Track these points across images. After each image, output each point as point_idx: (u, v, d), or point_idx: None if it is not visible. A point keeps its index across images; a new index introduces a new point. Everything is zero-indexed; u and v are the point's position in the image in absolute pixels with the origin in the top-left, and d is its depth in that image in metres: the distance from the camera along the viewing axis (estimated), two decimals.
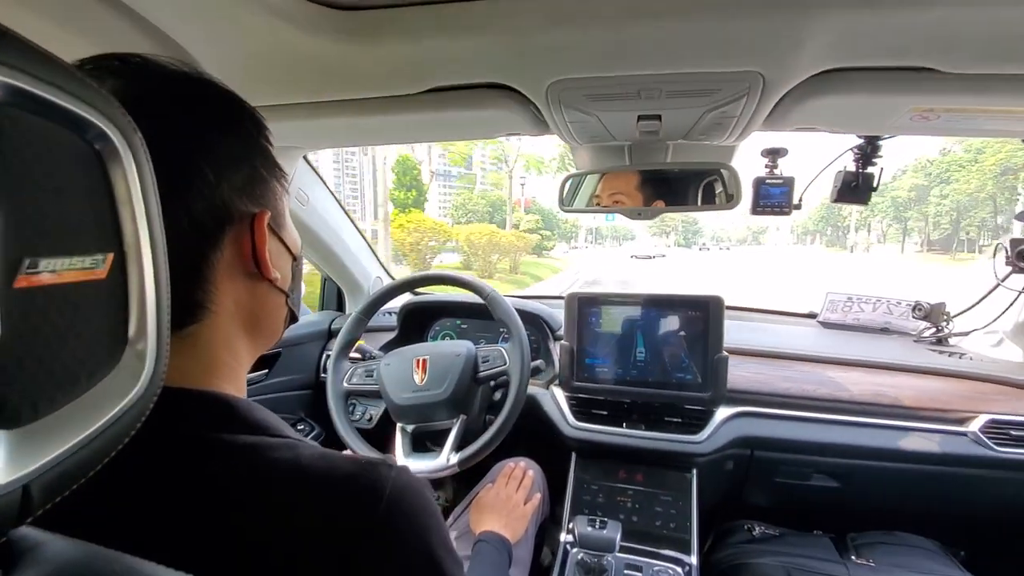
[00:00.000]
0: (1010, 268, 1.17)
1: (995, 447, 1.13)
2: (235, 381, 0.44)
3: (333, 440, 1.21)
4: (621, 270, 26.16)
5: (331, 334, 1.68)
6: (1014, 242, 1.13)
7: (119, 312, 0.28)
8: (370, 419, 1.54)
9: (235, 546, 0.34)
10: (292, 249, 0.49)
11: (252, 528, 0.35)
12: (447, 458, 1.06)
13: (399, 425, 1.13)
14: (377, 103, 0.82)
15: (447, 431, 1.10)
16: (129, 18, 0.61)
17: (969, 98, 0.66)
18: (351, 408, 1.58)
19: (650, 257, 36.01)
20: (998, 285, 1.27)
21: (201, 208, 0.38)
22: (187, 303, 0.39)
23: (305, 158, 1.31)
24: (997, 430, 1.14)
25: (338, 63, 0.70)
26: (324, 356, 1.64)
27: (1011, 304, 1.26)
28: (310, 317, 1.72)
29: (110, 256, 0.26)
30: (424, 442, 1.17)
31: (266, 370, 1.46)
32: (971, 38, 0.56)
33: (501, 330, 1.56)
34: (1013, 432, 1.14)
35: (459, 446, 1.08)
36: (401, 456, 1.09)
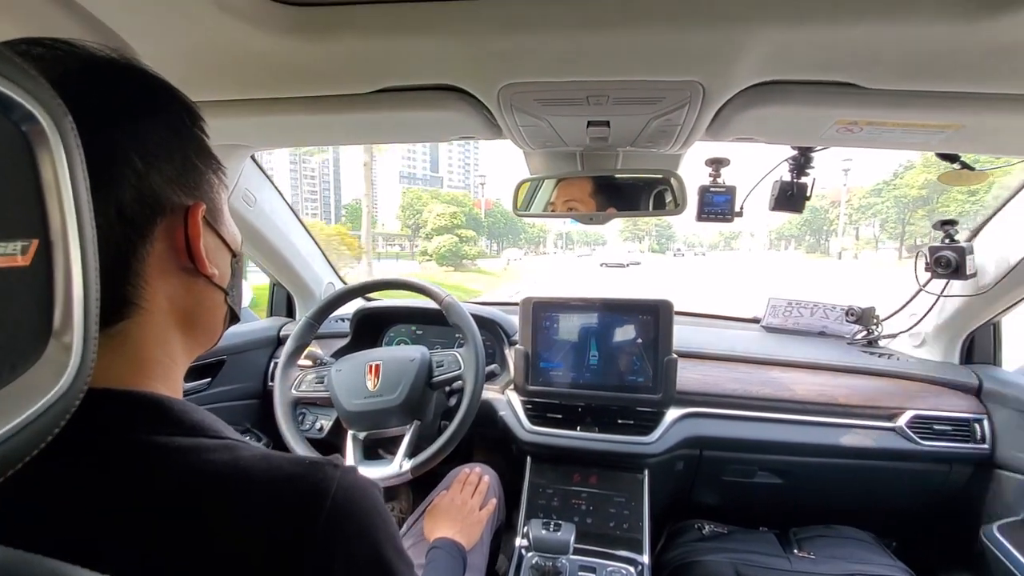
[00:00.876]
0: (929, 274, 1.27)
1: (919, 440, 1.21)
2: (170, 382, 0.42)
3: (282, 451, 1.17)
4: (583, 283, 20.52)
5: (280, 341, 1.62)
6: (932, 249, 1.23)
7: (43, 302, 0.26)
8: (320, 429, 1.50)
9: (171, 553, 0.33)
10: (231, 245, 0.48)
11: (189, 534, 0.33)
12: (400, 465, 1.04)
13: (351, 433, 1.11)
14: (327, 102, 0.80)
15: (400, 438, 1.08)
16: (65, 6, 0.58)
17: (888, 112, 0.71)
18: (300, 417, 1.53)
19: (623, 265, 30.78)
20: (920, 290, 1.37)
21: (129, 198, 0.36)
22: (115, 299, 0.37)
23: (253, 158, 1.27)
24: (921, 425, 1.23)
25: (287, 60, 0.68)
26: (272, 364, 1.58)
27: (930, 308, 1.36)
28: (258, 323, 1.66)
29: (34, 243, 0.25)
30: (376, 449, 1.15)
31: (208, 379, 1.39)
32: (888, 56, 0.60)
33: (457, 336, 1.56)
34: (935, 426, 1.22)
35: (412, 453, 1.07)
36: (352, 464, 1.07)
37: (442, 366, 1.14)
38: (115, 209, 0.35)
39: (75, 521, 0.33)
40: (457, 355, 1.14)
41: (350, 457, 1.09)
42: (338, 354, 1.48)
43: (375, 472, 1.04)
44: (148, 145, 0.38)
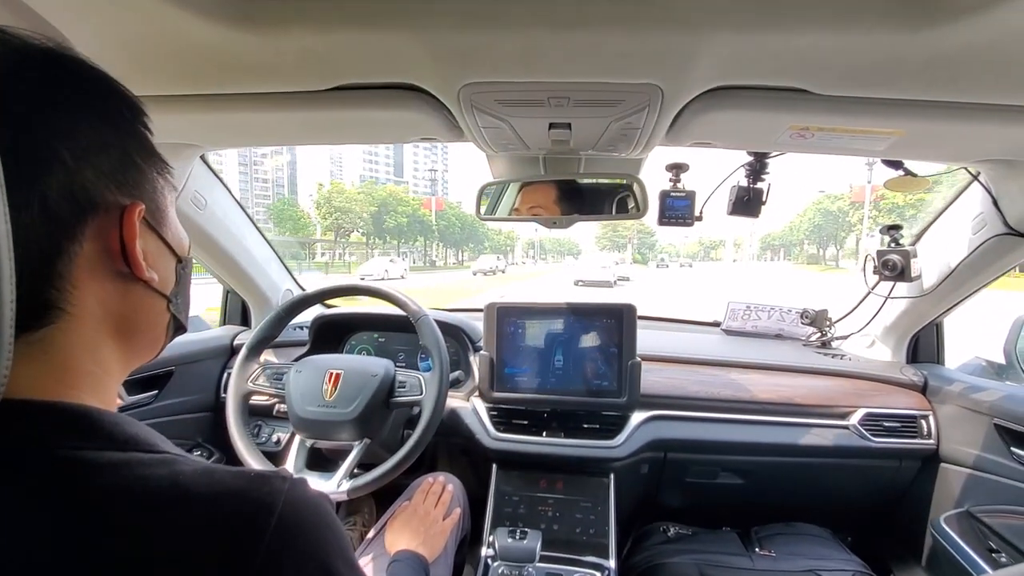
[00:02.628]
0: (877, 276, 1.32)
1: (871, 438, 1.26)
2: (100, 393, 0.39)
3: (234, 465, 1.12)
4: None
5: (233, 351, 1.55)
6: (879, 253, 1.28)
7: None
8: (277, 442, 1.45)
9: None
10: (176, 250, 0.45)
11: (122, 557, 0.30)
12: (338, 483, 1.01)
13: (298, 437, 1.08)
14: (279, 99, 0.78)
15: (346, 452, 1.05)
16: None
17: (836, 118, 0.74)
18: (256, 430, 1.47)
19: (608, 284, 22.69)
20: (869, 293, 1.43)
21: (57, 194, 0.33)
22: (37, 302, 0.34)
23: (203, 159, 1.22)
24: (872, 422, 1.27)
25: (235, 53, 0.65)
26: (225, 375, 1.51)
27: (879, 310, 1.42)
28: (210, 332, 1.58)
29: None
30: (321, 460, 1.11)
31: (155, 391, 1.32)
32: (836, 63, 0.63)
33: (421, 343, 1.53)
34: (886, 423, 1.27)
35: (355, 472, 1.03)
36: (291, 470, 1.04)
37: (404, 387, 1.10)
38: (39, 205, 0.33)
39: None
40: (421, 379, 1.11)
41: (291, 462, 1.06)
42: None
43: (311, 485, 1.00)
44: (80, 139, 0.35)
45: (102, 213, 0.37)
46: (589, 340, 1.29)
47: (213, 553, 0.32)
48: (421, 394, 1.08)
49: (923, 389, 1.33)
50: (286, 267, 1.67)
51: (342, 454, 1.06)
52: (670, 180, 1.13)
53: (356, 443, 1.05)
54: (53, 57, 0.36)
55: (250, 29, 0.60)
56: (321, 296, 1.24)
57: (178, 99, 0.78)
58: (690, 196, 1.11)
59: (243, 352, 1.16)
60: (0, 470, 0.31)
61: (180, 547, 0.31)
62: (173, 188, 0.46)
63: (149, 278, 0.40)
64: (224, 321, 1.70)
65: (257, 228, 1.50)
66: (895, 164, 1.01)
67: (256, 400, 1.41)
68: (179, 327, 0.48)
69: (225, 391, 1.48)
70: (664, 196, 1.12)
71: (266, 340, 1.19)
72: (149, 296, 0.42)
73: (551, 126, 0.82)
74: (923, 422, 1.28)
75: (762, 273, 39.93)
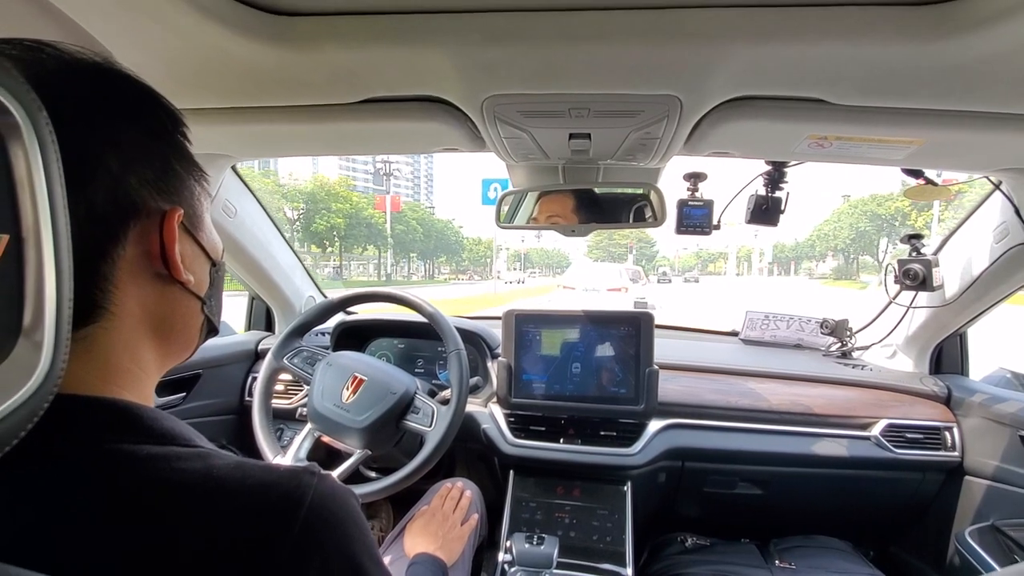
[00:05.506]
0: (899, 286, 1.31)
1: (893, 449, 1.24)
2: (139, 390, 0.41)
3: None
4: None
5: (258, 355, 1.59)
6: (900, 262, 1.27)
7: (13, 299, 0.26)
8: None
9: (139, 564, 0.32)
10: (211, 254, 0.47)
11: (161, 544, 0.32)
12: None
13: (309, 424, 1.11)
14: (310, 112, 0.81)
15: (345, 456, 1.07)
16: (43, 10, 0.58)
17: (854, 128, 0.75)
18: (279, 433, 1.50)
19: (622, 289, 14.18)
20: (891, 302, 1.42)
21: (103, 199, 0.36)
22: (83, 302, 0.36)
23: (234, 169, 1.26)
24: (895, 433, 1.25)
25: (269, 69, 0.68)
26: (250, 379, 1.55)
27: (900, 320, 1.41)
28: (235, 337, 1.63)
29: (5, 238, 0.25)
30: (323, 454, 1.13)
31: (183, 393, 1.35)
32: (853, 73, 0.64)
33: (440, 349, 1.55)
34: (908, 435, 1.25)
35: (344, 480, 1.05)
36: (290, 453, 1.08)
37: (416, 413, 1.10)
38: (85, 209, 0.34)
39: (39, 529, 0.32)
40: (435, 411, 1.10)
41: (294, 446, 1.09)
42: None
43: None
44: (125, 147, 0.37)
45: (144, 218, 0.39)
46: (606, 347, 1.30)
47: (243, 543, 0.33)
48: (430, 427, 1.08)
49: (947, 400, 1.31)
50: (310, 275, 1.71)
51: (342, 457, 1.08)
52: (688, 189, 1.14)
53: (357, 451, 1.06)
54: (102, 71, 0.38)
55: (286, 46, 0.63)
56: (374, 297, 1.28)
57: (214, 112, 0.81)
58: (708, 205, 1.12)
59: (287, 331, 1.20)
60: (48, 460, 0.33)
61: (212, 536, 0.33)
62: (209, 195, 0.48)
63: (186, 279, 0.42)
64: (249, 327, 1.75)
65: (283, 236, 1.54)
66: (915, 173, 1.01)
67: (277, 404, 1.44)
68: (212, 329, 0.49)
69: (250, 395, 1.52)
70: (682, 205, 1.13)
71: (311, 324, 1.23)
72: (185, 297, 0.44)
73: (571, 136, 0.84)
74: (947, 434, 1.26)
75: (785, 289, 34.60)
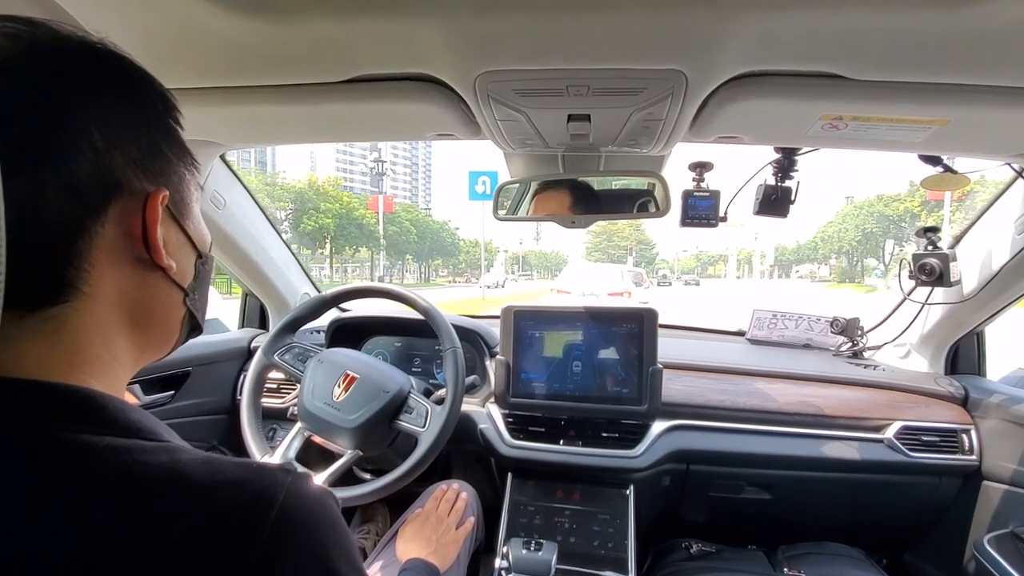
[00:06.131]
0: (913, 282, 1.26)
1: (908, 452, 1.19)
2: (108, 379, 0.38)
3: None
4: None
5: (251, 353, 1.55)
6: (915, 257, 1.22)
7: None
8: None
9: (94, 562, 0.29)
10: (198, 244, 0.45)
11: (117, 543, 0.30)
12: None
13: (299, 424, 1.07)
14: (295, 92, 0.78)
15: (335, 456, 1.04)
16: None
17: (873, 105, 0.70)
18: (270, 434, 1.46)
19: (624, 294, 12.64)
20: (904, 299, 1.37)
21: (84, 174, 0.34)
22: (53, 279, 0.34)
23: (223, 159, 1.23)
24: (909, 436, 1.20)
25: (252, 43, 0.65)
26: (241, 378, 1.51)
27: (915, 318, 1.36)
28: (228, 334, 1.59)
29: None
30: (315, 455, 1.09)
31: (172, 392, 1.32)
32: (873, 45, 0.59)
33: (437, 348, 1.51)
34: (924, 437, 1.20)
35: (334, 482, 1.01)
36: (279, 453, 1.04)
37: (410, 413, 1.06)
38: (66, 183, 0.33)
39: None
40: (429, 411, 1.06)
41: (283, 446, 1.05)
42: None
43: None
44: (113, 124, 0.36)
45: (127, 197, 0.37)
46: (608, 346, 1.26)
47: (211, 542, 0.31)
48: (423, 427, 1.04)
49: (964, 402, 1.26)
50: (304, 270, 1.67)
51: (333, 457, 1.04)
52: (693, 180, 1.10)
53: (348, 452, 1.03)
54: (93, 50, 0.38)
55: (267, 18, 0.59)
56: (368, 292, 1.23)
57: (194, 92, 0.78)
58: (714, 196, 1.08)
59: (278, 326, 1.17)
60: (1, 449, 0.31)
61: (176, 535, 0.31)
62: (199, 186, 0.47)
63: (167, 265, 0.40)
64: (242, 324, 1.71)
65: (276, 230, 1.51)
66: (933, 160, 0.96)
67: (269, 403, 1.40)
68: (195, 326, 0.48)
69: (240, 394, 1.48)
70: (687, 196, 1.09)
71: (302, 320, 1.19)
72: (166, 286, 0.42)
73: (570, 118, 0.80)
74: (964, 437, 1.21)
75: (787, 292, 33.47)
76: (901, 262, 1.31)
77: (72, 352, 0.36)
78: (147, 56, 0.68)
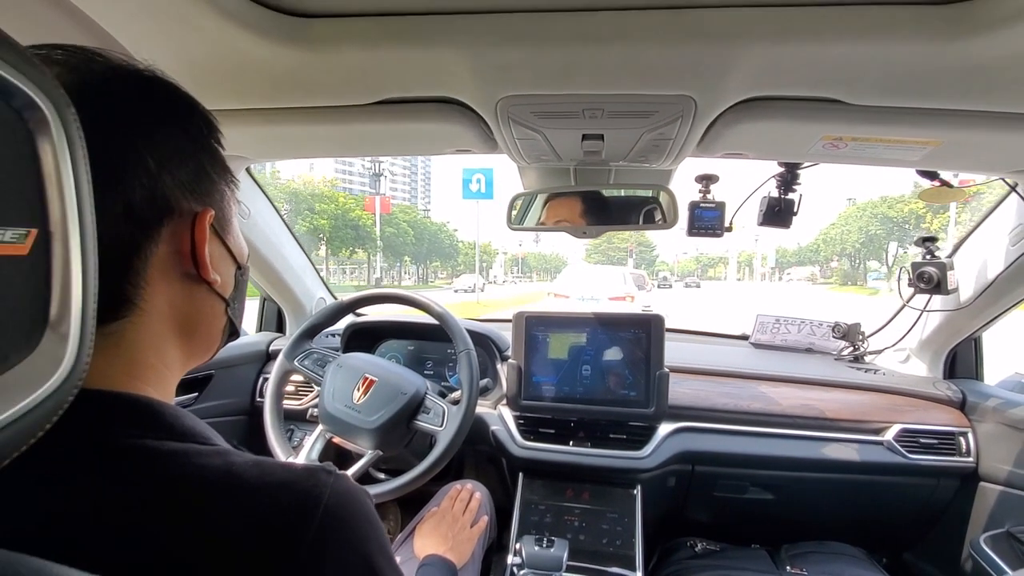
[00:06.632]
0: (912, 289, 1.30)
1: (907, 454, 1.22)
2: (162, 387, 0.42)
3: None
4: None
5: (269, 356, 1.60)
6: (914, 265, 1.26)
7: (40, 293, 0.26)
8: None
9: (159, 557, 0.32)
10: (237, 257, 0.48)
11: (179, 539, 0.33)
12: None
13: (320, 427, 1.10)
14: (326, 113, 0.82)
15: (356, 458, 1.07)
16: (69, 15, 0.59)
17: (870, 128, 0.75)
18: (289, 434, 1.50)
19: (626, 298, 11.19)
20: (904, 306, 1.40)
21: (139, 198, 0.37)
22: (114, 297, 0.37)
23: (248, 171, 1.27)
24: (908, 438, 1.24)
25: (288, 70, 0.69)
26: (261, 380, 1.56)
27: (914, 324, 1.39)
28: (247, 338, 1.64)
29: (33, 232, 0.25)
30: (333, 456, 1.13)
31: (196, 393, 1.36)
32: (871, 73, 0.64)
33: (449, 351, 1.55)
34: (922, 440, 1.24)
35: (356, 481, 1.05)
36: (302, 455, 1.08)
37: (427, 413, 1.10)
38: (123, 207, 0.36)
39: (60, 521, 0.32)
40: (446, 411, 1.09)
41: (305, 448, 1.08)
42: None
43: None
44: (163, 149, 0.39)
45: (177, 217, 0.40)
46: (616, 350, 1.30)
47: (262, 540, 0.33)
48: (441, 426, 1.08)
49: (961, 405, 1.30)
50: (320, 276, 1.72)
51: (350, 458, 1.07)
52: (699, 191, 1.14)
53: (368, 452, 1.06)
54: (145, 78, 0.40)
55: (304, 48, 0.63)
56: (385, 299, 1.28)
57: (231, 113, 0.82)
58: (720, 207, 1.12)
59: (298, 332, 1.20)
60: (74, 454, 0.34)
61: (231, 533, 0.33)
62: (237, 200, 0.49)
63: (213, 279, 0.43)
64: (260, 328, 1.76)
65: (295, 238, 1.55)
66: (930, 175, 1.00)
67: (288, 405, 1.44)
68: (233, 331, 0.50)
69: (260, 396, 1.53)
70: (694, 207, 1.12)
71: (321, 326, 1.23)
72: (211, 298, 0.45)
73: (584, 137, 0.85)
74: (962, 439, 1.24)
75: (787, 295, 32.76)
76: (900, 270, 1.35)
77: (130, 363, 0.39)
78: (191, 81, 0.73)
